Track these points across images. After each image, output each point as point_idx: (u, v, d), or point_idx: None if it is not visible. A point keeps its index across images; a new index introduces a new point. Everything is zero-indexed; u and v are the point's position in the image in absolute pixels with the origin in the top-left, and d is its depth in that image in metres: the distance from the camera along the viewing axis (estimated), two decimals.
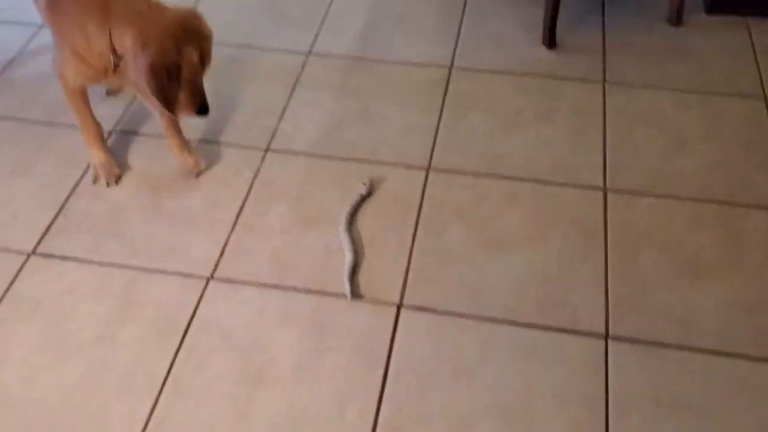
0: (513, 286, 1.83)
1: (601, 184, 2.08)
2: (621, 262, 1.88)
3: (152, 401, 1.62)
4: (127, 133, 2.25)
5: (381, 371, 1.67)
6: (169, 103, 1.78)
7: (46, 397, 1.63)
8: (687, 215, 1.99)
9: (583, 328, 1.74)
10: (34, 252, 1.92)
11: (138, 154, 2.19)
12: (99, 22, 1.78)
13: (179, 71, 1.76)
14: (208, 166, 2.13)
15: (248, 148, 2.19)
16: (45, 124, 2.28)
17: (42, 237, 1.96)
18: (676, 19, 2.62)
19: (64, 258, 1.91)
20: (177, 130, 2.10)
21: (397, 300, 1.80)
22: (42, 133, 2.24)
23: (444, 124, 2.27)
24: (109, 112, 2.29)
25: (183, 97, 1.80)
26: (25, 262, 1.90)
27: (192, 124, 2.23)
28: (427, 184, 2.09)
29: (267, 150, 2.19)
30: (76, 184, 2.09)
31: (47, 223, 1.99)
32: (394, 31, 2.63)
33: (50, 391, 1.64)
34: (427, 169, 2.13)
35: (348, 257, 1.86)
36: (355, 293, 1.81)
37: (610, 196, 2.04)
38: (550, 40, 2.53)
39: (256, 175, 2.12)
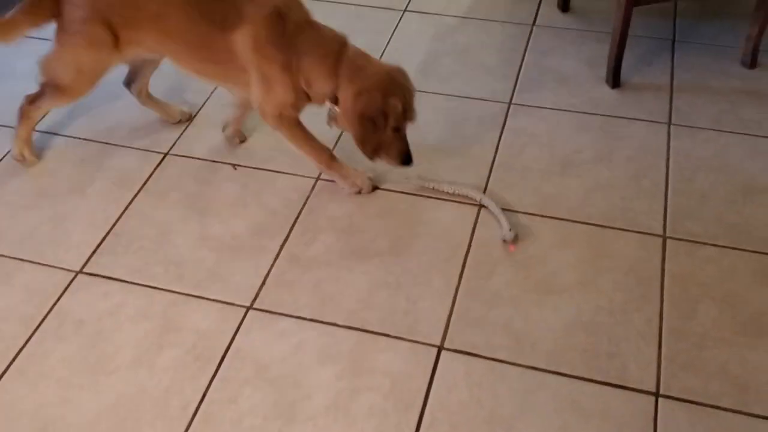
0: (559, 333, 1.75)
1: (660, 231, 1.98)
2: (677, 315, 1.78)
3: (183, 429, 1.60)
4: (181, 157, 2.28)
5: (416, 415, 1.61)
6: (369, 150, 1.96)
7: (80, 417, 1.63)
8: (752, 269, 1.87)
9: (632, 384, 1.65)
10: (81, 270, 1.95)
11: (189, 178, 2.20)
12: (329, 73, 1.91)
13: (386, 121, 1.91)
14: (258, 193, 2.13)
15: (300, 176, 2.18)
16: (104, 143, 2.33)
17: (91, 256, 1.98)
18: (751, 61, 2.51)
19: (109, 278, 1.93)
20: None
21: (438, 342, 1.75)
22: (100, 151, 2.29)
23: (499, 161, 2.22)
24: (164, 136, 2.33)
25: (389, 147, 1.97)
26: (72, 280, 1.92)
27: (246, 147, 2.25)
28: (478, 221, 2.03)
29: (317, 179, 2.18)
30: (128, 205, 2.12)
31: (97, 242, 2.02)
32: (455, 64, 2.60)
33: (84, 411, 1.64)
34: (479, 206, 2.08)
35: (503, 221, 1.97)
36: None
37: (669, 243, 1.95)
38: (615, 79, 2.45)
39: (304, 204, 2.10)
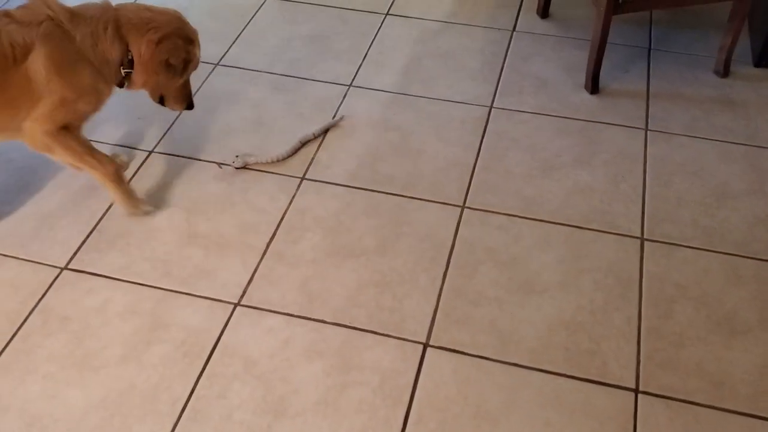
0: (542, 332, 1.80)
1: (638, 233, 2.04)
2: (655, 314, 1.84)
3: (172, 425, 1.61)
4: (166, 155, 2.28)
5: (403, 411, 1.64)
6: (158, 96, 2.01)
7: (67, 414, 1.64)
8: (725, 270, 1.94)
9: (612, 381, 1.70)
10: (66, 266, 1.94)
11: (175, 176, 2.21)
12: (116, 38, 1.84)
13: (185, 68, 1.95)
14: (245, 192, 2.15)
15: (285, 176, 2.20)
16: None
17: (76, 252, 1.98)
18: (724, 70, 2.59)
19: (95, 275, 1.93)
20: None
21: (424, 339, 1.78)
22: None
23: (481, 164, 2.26)
24: (149, 133, 2.33)
25: (176, 94, 2.02)
26: (57, 277, 1.92)
27: (233, 147, 2.26)
28: (461, 222, 2.07)
29: (303, 178, 2.20)
30: (113, 203, 2.12)
31: (82, 238, 2.02)
32: (437, 68, 2.64)
33: (72, 408, 1.65)
34: (462, 207, 2.12)
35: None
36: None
37: (647, 245, 2.01)
38: (593, 85, 2.51)
39: (290, 203, 2.12)
